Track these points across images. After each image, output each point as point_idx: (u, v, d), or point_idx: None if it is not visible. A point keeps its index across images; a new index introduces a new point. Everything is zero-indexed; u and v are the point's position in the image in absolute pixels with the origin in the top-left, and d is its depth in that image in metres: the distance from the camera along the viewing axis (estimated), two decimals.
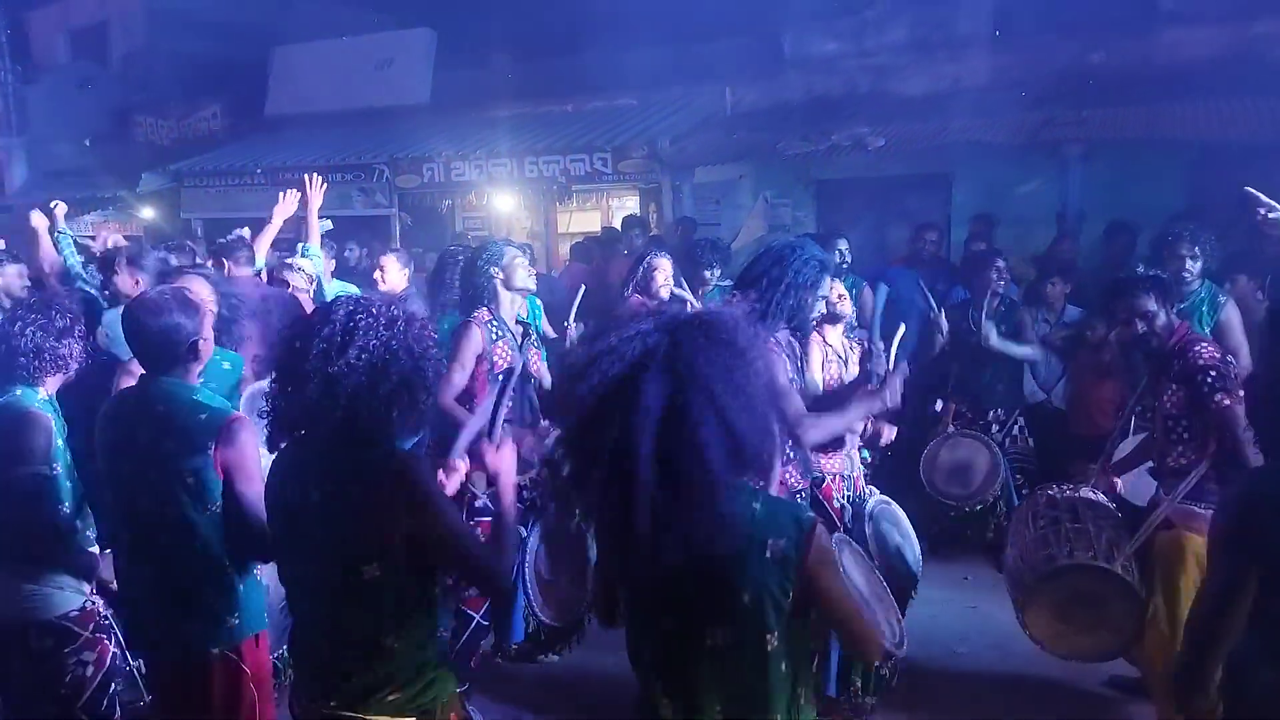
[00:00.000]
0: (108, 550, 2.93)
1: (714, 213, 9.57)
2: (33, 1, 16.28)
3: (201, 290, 6.04)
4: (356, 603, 2.05)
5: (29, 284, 4.97)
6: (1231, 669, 2.00)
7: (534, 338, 4.24)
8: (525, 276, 4.10)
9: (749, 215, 9.56)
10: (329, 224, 6.17)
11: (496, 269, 4.04)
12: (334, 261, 5.61)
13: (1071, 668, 3.71)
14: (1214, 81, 7.45)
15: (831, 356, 3.77)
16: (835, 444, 3.48)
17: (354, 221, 10.71)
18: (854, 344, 3.98)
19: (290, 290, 5.03)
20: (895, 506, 3.73)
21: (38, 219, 5.29)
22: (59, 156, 14.12)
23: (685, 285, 5.13)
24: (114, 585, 2.89)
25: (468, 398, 3.91)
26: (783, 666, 1.78)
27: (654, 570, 1.73)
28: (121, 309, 3.22)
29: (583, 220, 11.60)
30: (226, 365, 3.60)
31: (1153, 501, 3.53)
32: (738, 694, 1.78)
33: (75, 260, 5.35)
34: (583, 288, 4.99)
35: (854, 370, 3.85)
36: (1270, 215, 3.71)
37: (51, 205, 5.50)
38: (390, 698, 2.07)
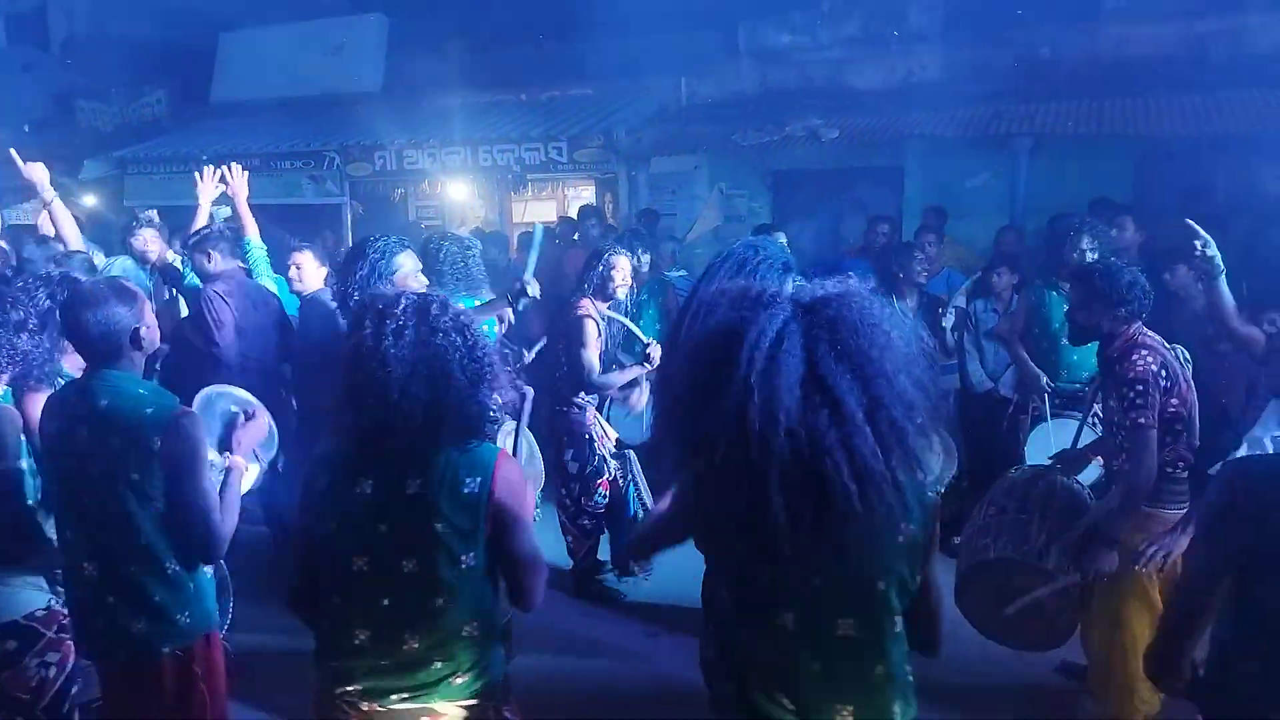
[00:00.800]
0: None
1: (670, 203, 9.59)
2: None
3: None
4: (454, 594, 2.06)
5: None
6: (1213, 659, 2.01)
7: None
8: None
9: (705, 206, 9.61)
10: (227, 211, 6.13)
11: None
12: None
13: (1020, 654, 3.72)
14: (1158, 78, 7.65)
15: None
16: None
17: (304, 210, 10.54)
18: None
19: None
20: None
21: (36, 171, 5.16)
22: None
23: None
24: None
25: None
26: (902, 650, 1.79)
27: (788, 566, 1.69)
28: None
29: (538, 210, 11.55)
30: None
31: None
32: (862, 685, 1.75)
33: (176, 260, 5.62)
34: (538, 227, 4.84)
35: None
36: (1207, 251, 3.65)
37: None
38: (458, 681, 2.10)
